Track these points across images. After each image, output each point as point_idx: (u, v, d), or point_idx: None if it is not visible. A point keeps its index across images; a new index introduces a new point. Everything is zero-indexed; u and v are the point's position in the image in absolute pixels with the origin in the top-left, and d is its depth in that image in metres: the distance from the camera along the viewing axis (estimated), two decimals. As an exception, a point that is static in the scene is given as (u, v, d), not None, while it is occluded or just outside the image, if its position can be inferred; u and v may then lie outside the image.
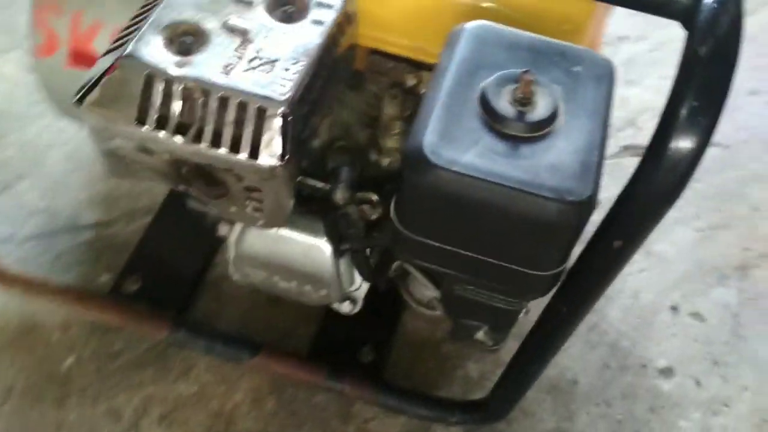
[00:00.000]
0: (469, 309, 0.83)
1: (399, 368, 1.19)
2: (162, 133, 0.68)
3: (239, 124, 0.67)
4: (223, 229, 0.96)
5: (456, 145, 0.66)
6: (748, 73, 1.71)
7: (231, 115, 0.67)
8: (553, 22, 0.84)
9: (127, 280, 1.22)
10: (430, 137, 0.66)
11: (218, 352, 1.13)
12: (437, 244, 0.71)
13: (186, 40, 0.70)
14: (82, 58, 1.06)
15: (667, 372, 1.25)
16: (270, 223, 0.76)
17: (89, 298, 1.16)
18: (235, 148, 0.67)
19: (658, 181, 0.60)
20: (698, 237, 1.43)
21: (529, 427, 1.17)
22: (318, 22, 0.73)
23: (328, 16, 0.74)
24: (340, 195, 0.79)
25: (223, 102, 0.66)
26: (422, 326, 1.24)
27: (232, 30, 0.71)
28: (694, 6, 0.59)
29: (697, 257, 1.40)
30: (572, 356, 1.24)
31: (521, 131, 0.67)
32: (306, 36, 0.72)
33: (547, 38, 0.76)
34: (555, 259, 0.69)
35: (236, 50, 0.70)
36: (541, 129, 0.68)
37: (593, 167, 0.65)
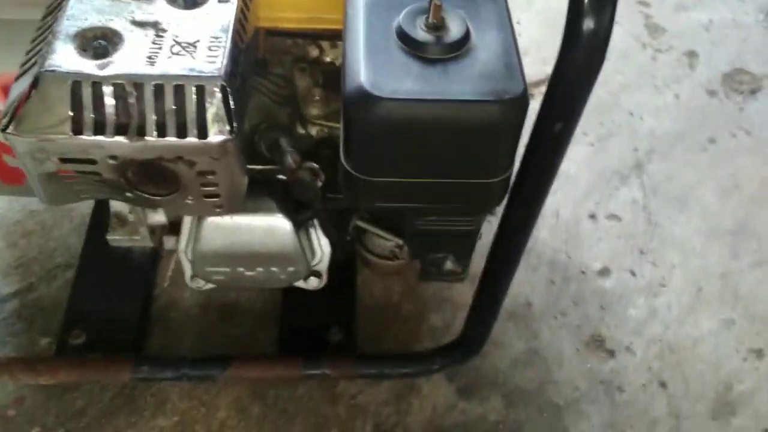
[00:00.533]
0: (433, 243, 0.87)
1: (368, 340, 1.21)
2: (102, 138, 0.66)
3: (180, 109, 0.67)
4: (169, 242, 0.94)
5: (391, 77, 0.69)
6: None
7: (169, 101, 0.66)
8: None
9: (70, 336, 1.16)
10: (367, 75, 0.69)
11: (188, 377, 1.10)
12: (393, 180, 0.75)
13: (99, 44, 0.69)
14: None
15: (604, 272, 1.35)
16: (228, 208, 0.77)
17: (37, 363, 1.09)
18: (182, 133, 0.67)
19: (580, 61, 0.66)
20: (592, 150, 1.55)
21: (503, 355, 1.23)
22: (223, 1, 0.75)
23: (232, -6, 0.75)
24: (290, 159, 0.81)
25: (159, 90, 0.66)
26: (379, 295, 1.27)
27: (142, 25, 0.71)
28: None
29: (596, 168, 1.52)
30: (519, 282, 1.31)
31: (444, 53, 0.72)
32: (217, 15, 0.73)
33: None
34: (504, 161, 0.74)
35: (153, 42, 0.70)
36: (461, 48, 0.73)
37: (517, 67, 0.71)
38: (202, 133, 0.67)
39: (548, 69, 0.70)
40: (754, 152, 1.57)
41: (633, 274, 1.35)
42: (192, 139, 0.67)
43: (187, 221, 0.90)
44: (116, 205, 1.29)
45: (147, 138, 0.67)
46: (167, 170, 0.71)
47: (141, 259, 1.29)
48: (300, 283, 0.96)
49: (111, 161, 0.69)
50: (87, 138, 0.66)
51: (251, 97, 0.90)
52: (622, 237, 1.41)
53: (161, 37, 0.70)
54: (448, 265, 0.89)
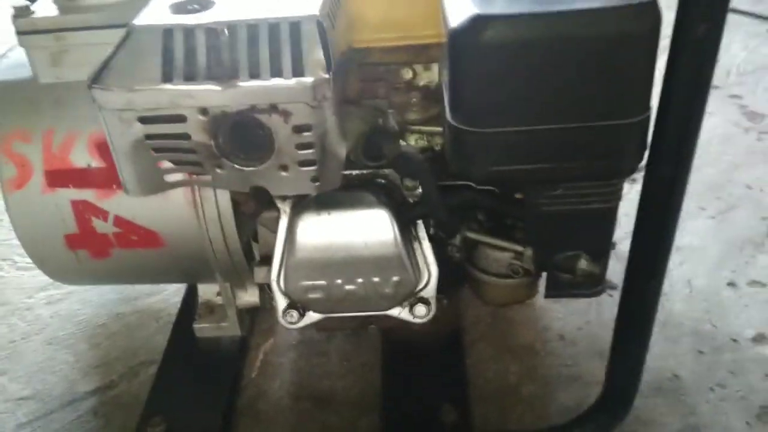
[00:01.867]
0: (562, 236, 0.74)
1: (488, 423, 1.02)
2: (192, 86, 0.62)
3: (274, 51, 0.62)
4: (260, 274, 0.85)
5: (505, 5, 0.63)
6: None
7: (264, 43, 0.62)
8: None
9: (149, 425, 1.03)
10: (476, 3, 0.63)
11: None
12: (509, 129, 0.65)
13: (193, 6, 0.67)
14: (60, 177, 0.99)
15: (759, 338, 1.14)
16: (325, 181, 0.68)
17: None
18: (276, 73, 0.62)
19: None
20: (714, 223, 1.40)
21: (655, 434, 1.00)
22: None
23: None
24: (393, 123, 0.73)
25: (253, 32, 0.62)
26: (493, 377, 1.09)
27: (236, -5, 0.69)
28: None
29: (723, 238, 1.36)
30: (660, 355, 1.11)
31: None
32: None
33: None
34: (639, 93, 0.64)
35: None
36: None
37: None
38: (298, 73, 0.61)
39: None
40: None
41: (796, 338, 1.13)
42: (287, 80, 0.61)
43: (280, 244, 0.81)
44: (204, 294, 1.22)
45: (239, 83, 0.62)
46: (260, 129, 0.64)
47: (227, 350, 1.18)
48: (406, 315, 0.83)
49: (201, 117, 0.63)
50: (177, 87, 0.62)
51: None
52: (772, 303, 1.21)
53: (254, -1, 0.68)
54: (583, 264, 0.75)
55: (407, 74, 0.92)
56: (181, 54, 0.62)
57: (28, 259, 1.08)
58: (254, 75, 0.62)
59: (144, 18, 0.64)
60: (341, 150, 0.68)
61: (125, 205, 1.00)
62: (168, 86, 0.62)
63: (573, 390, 1.07)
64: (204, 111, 0.63)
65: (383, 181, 0.79)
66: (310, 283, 0.77)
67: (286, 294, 0.81)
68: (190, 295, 1.27)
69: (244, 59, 0.62)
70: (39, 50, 0.98)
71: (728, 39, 2.24)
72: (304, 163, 0.66)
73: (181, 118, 0.63)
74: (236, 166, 0.66)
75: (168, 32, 0.62)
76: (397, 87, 0.90)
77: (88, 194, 1.00)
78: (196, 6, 0.67)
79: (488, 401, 1.06)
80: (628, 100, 0.64)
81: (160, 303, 1.32)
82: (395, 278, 0.77)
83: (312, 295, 0.78)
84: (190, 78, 0.62)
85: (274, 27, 0.62)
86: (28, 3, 0.97)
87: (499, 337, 1.16)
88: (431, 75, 0.93)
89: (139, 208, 0.99)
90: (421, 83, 0.93)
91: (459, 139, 0.67)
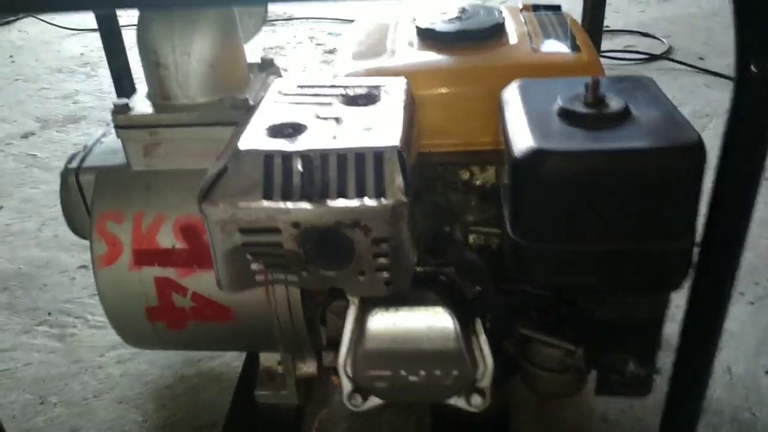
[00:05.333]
0: (612, 340, 0.81)
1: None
2: (288, 204, 0.71)
3: (360, 175, 0.71)
4: (327, 358, 0.93)
5: (560, 139, 0.72)
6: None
7: (351, 169, 0.71)
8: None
9: (214, 489, 1.10)
10: (536, 137, 0.72)
11: None
12: (566, 247, 0.73)
13: (287, 131, 0.77)
14: (146, 256, 1.10)
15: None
16: (397, 284, 0.76)
17: None
18: (360, 194, 0.71)
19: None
20: (753, 309, 1.45)
21: None
22: (393, 102, 0.83)
23: (400, 97, 0.83)
24: (458, 234, 0.81)
25: (342, 160, 0.72)
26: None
27: (324, 118, 0.79)
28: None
29: (763, 324, 1.40)
30: (700, 442, 1.15)
31: (607, 122, 0.74)
32: (389, 109, 0.81)
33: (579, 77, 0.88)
34: (685, 220, 0.71)
35: (335, 127, 0.77)
36: (623, 118, 0.75)
37: (686, 122, 0.72)
38: (380, 195, 0.71)
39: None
40: None
41: None
42: (370, 202, 0.71)
43: (348, 332, 0.89)
44: (266, 361, 1.30)
45: (329, 202, 0.71)
46: (343, 240, 0.73)
47: (285, 417, 1.25)
48: (462, 404, 0.90)
49: (293, 230, 0.72)
50: (275, 204, 0.71)
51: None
52: None
53: (340, 125, 0.78)
54: (631, 367, 0.81)
55: (464, 175, 1.01)
56: (279, 176, 0.72)
57: (100, 318, 1.18)
58: (342, 195, 0.71)
59: (247, 142, 0.75)
60: (413, 257, 0.76)
61: (203, 282, 1.09)
62: (267, 204, 0.71)
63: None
64: (296, 224, 0.72)
65: (444, 278, 0.87)
66: (377, 372, 0.85)
67: (352, 379, 0.89)
68: (250, 361, 1.35)
69: (334, 182, 0.71)
70: (134, 142, 1.10)
71: None
72: (379, 268, 0.75)
73: (275, 230, 0.73)
74: (320, 270, 0.75)
75: (269, 157, 0.72)
76: (455, 187, 0.99)
77: (170, 272, 1.10)
78: (290, 130, 0.77)
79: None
80: (674, 227, 0.72)
81: (221, 366, 1.41)
82: (455, 372, 0.84)
83: (377, 384, 0.86)
84: (286, 196, 0.71)
85: (360, 156, 0.72)
86: (127, 101, 1.09)
87: (546, 417, 1.21)
88: (487, 176, 1.01)
89: (216, 287, 1.09)
90: (478, 183, 1.02)
91: (518, 251, 0.75)
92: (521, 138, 0.73)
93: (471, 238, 0.94)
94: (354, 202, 0.71)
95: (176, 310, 1.13)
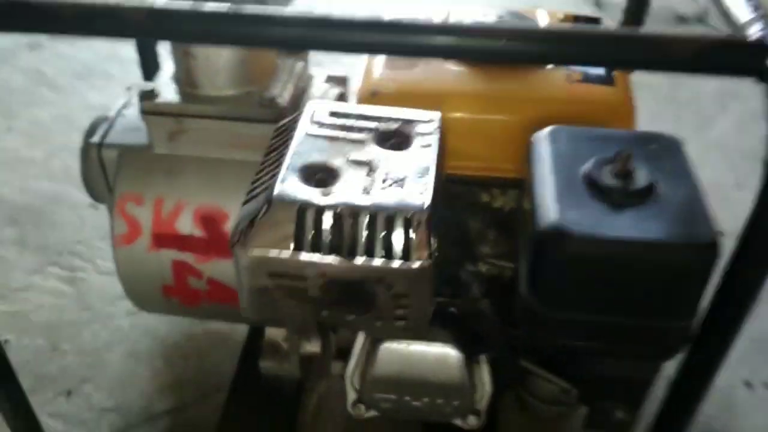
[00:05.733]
0: (606, 390, 0.87)
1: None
2: (318, 256, 0.74)
3: (388, 235, 0.74)
4: (336, 368, 0.98)
5: (583, 218, 0.74)
6: (726, 172, 1.89)
7: (380, 229, 0.73)
8: (601, 114, 0.97)
9: (219, 458, 1.18)
10: (561, 214, 0.74)
11: None
12: (577, 316, 0.77)
13: (321, 176, 0.78)
14: (165, 240, 1.12)
15: None
16: (413, 333, 0.81)
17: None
18: (387, 256, 0.73)
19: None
20: (741, 316, 1.50)
21: None
22: (426, 146, 0.84)
23: (433, 140, 0.84)
24: (476, 289, 0.85)
25: (372, 219, 0.74)
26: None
27: (357, 163, 0.80)
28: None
29: (745, 335, 1.46)
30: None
31: (632, 199, 0.76)
32: (421, 157, 0.82)
33: (613, 129, 0.89)
34: (688, 307, 0.75)
35: (367, 176, 0.78)
36: (648, 195, 0.77)
37: (706, 214, 0.74)
38: (406, 256, 0.73)
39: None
40: None
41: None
42: (396, 263, 0.73)
43: (358, 348, 0.94)
44: (271, 334, 1.36)
45: (357, 259, 0.74)
46: (366, 291, 0.76)
47: (288, 389, 1.32)
48: (458, 422, 0.96)
49: (319, 280, 0.75)
50: (305, 256, 0.74)
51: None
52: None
53: (373, 173, 0.79)
54: (618, 414, 0.87)
55: (485, 197, 1.03)
56: (310, 228, 0.74)
57: (109, 264, 1.23)
58: (369, 253, 0.74)
59: (282, 189, 0.76)
60: (431, 307, 0.80)
61: (219, 269, 1.13)
62: (298, 254, 0.74)
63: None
64: (323, 275, 0.75)
65: (454, 310, 0.91)
66: (383, 395, 0.91)
67: (357, 391, 0.95)
68: (254, 329, 1.41)
69: (362, 239, 0.74)
70: (158, 127, 1.10)
71: None
72: (398, 318, 0.79)
73: (303, 278, 0.76)
74: (340, 313, 0.79)
75: (302, 210, 0.74)
76: (475, 212, 1.01)
77: (187, 256, 1.13)
78: (323, 175, 0.78)
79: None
80: (678, 309, 0.75)
81: (227, 327, 1.46)
82: (456, 402, 0.90)
83: (382, 405, 0.92)
84: (316, 249, 0.74)
85: (390, 218, 0.74)
86: (153, 87, 1.09)
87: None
88: (506, 200, 1.04)
89: (232, 274, 1.13)
90: (496, 205, 1.04)
91: (530, 312, 0.78)
92: (546, 209, 0.75)
93: (484, 268, 0.97)
94: (380, 262, 0.73)
95: (191, 290, 1.17)
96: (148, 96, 1.08)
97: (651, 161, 0.81)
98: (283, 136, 0.87)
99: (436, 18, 0.66)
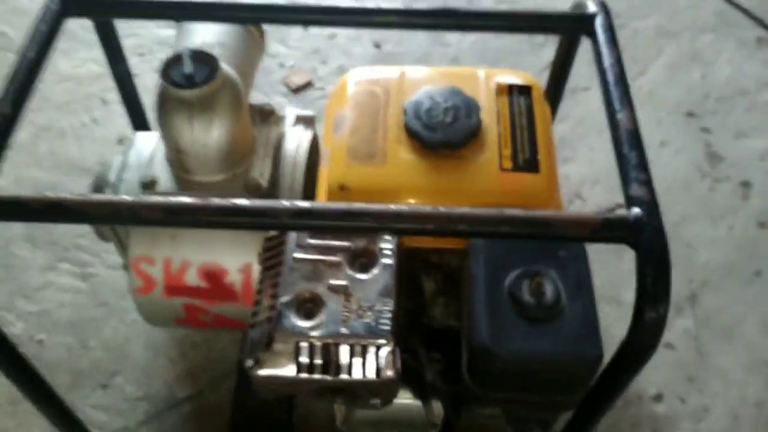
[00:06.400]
0: (527, 420, 1.19)
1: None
2: (311, 377, 1.00)
3: (365, 358, 1.00)
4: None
5: (506, 336, 1.01)
6: (654, 128, 2.12)
7: (358, 353, 1.00)
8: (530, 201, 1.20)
9: (236, 439, 1.51)
10: (489, 335, 1.01)
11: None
12: (504, 395, 1.06)
13: (308, 306, 1.02)
14: (176, 290, 1.36)
15: (658, 398, 1.63)
16: (383, 404, 1.10)
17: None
18: (365, 373, 1.00)
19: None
20: (652, 280, 1.82)
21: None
22: (387, 266, 1.07)
23: (392, 259, 1.08)
24: (431, 374, 1.14)
25: (352, 347, 1.00)
26: None
27: (335, 290, 1.04)
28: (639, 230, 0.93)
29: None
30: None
31: (543, 314, 1.03)
32: (383, 279, 1.06)
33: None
34: (580, 389, 1.05)
35: (344, 305, 1.03)
36: (554, 309, 1.03)
37: (597, 331, 1.01)
38: (379, 373, 1.00)
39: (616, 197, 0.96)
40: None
41: (682, 401, 1.63)
42: (371, 376, 1.00)
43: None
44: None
45: (341, 376, 1.00)
46: (349, 390, 1.04)
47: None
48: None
49: (314, 386, 1.03)
50: (302, 376, 1.00)
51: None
52: (674, 365, 1.68)
53: (349, 300, 1.03)
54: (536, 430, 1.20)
55: (436, 259, 1.28)
56: (306, 354, 1.00)
57: (115, 257, 1.50)
58: (350, 373, 1.00)
59: (280, 326, 1.00)
60: (397, 391, 1.08)
61: (223, 309, 1.39)
62: (296, 375, 1.00)
63: None
64: (317, 383, 1.02)
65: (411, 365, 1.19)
66: (364, 428, 1.22)
67: (344, 415, 1.26)
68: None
69: (345, 361, 1.00)
70: (160, 206, 1.29)
71: (719, 46, 2.46)
72: (373, 400, 1.07)
73: (301, 385, 1.03)
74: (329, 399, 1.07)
75: (298, 344, 0.99)
76: (428, 274, 1.26)
77: (196, 301, 1.38)
78: (311, 305, 1.03)
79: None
80: (573, 390, 1.05)
81: (226, 316, 1.74)
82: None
83: (363, 429, 1.23)
84: (311, 371, 1.00)
85: (364, 347, 0.99)
86: (153, 177, 1.27)
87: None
88: (456, 259, 1.28)
89: (237, 313, 1.39)
90: (446, 262, 1.29)
91: (470, 387, 1.08)
92: (479, 330, 1.02)
93: (435, 323, 1.25)
94: (355, 378, 1.00)
95: (200, 321, 1.44)
96: (148, 186, 1.26)
97: (560, 270, 1.06)
98: (274, 253, 1.10)
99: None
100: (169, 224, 1.03)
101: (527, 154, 1.23)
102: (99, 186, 1.37)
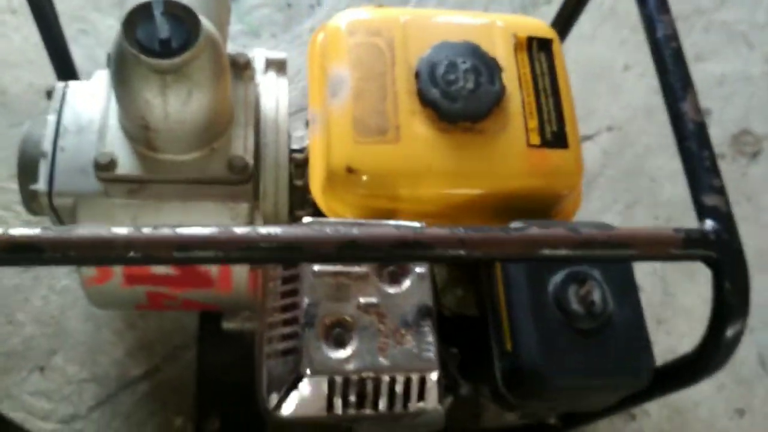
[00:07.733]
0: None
1: None
2: (347, 412, 0.87)
3: (407, 388, 0.88)
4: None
5: (558, 356, 0.91)
6: (617, 49, 2.03)
7: (399, 386, 0.87)
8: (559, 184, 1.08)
9: (207, 423, 1.38)
10: (540, 355, 0.91)
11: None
12: (547, 406, 0.99)
13: (338, 332, 0.87)
14: (139, 279, 1.16)
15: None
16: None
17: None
18: (405, 405, 0.89)
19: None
20: (620, 219, 1.79)
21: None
22: (421, 276, 0.93)
23: (425, 267, 0.93)
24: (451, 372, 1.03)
25: (392, 380, 0.87)
26: None
27: (365, 310, 0.89)
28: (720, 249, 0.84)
29: (623, 236, 1.77)
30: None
31: (593, 324, 0.94)
32: (418, 294, 0.92)
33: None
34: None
35: (378, 328, 0.89)
36: (603, 316, 0.94)
37: (648, 340, 0.94)
38: (421, 401, 0.89)
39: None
40: (752, 220, 1.84)
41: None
42: (412, 408, 0.89)
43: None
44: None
45: (380, 407, 0.88)
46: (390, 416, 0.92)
47: (250, 340, 1.49)
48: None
49: (342, 421, 0.90)
50: (335, 413, 0.87)
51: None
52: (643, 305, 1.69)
53: (383, 321, 0.89)
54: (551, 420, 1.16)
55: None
56: (339, 390, 0.86)
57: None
58: (390, 406, 0.88)
59: (308, 360, 0.85)
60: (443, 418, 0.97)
61: (193, 294, 1.20)
62: (330, 414, 0.87)
63: None
64: (354, 421, 0.90)
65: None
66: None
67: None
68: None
69: (384, 394, 0.87)
70: (118, 189, 1.05)
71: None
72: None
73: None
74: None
75: (331, 380, 0.85)
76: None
77: (162, 288, 1.18)
78: (340, 331, 0.87)
79: None
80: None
81: (176, 277, 1.54)
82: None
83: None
84: (345, 406, 0.87)
85: (407, 379, 0.87)
86: (112, 157, 1.02)
87: None
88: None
89: (207, 297, 1.21)
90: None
91: (504, 396, 1.00)
92: (526, 342, 0.92)
93: (448, 313, 1.13)
94: (398, 410, 0.89)
95: (165, 306, 1.25)
96: (106, 167, 1.01)
97: (603, 270, 0.97)
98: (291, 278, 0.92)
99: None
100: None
101: (554, 126, 1.09)
102: (30, 157, 1.09)
